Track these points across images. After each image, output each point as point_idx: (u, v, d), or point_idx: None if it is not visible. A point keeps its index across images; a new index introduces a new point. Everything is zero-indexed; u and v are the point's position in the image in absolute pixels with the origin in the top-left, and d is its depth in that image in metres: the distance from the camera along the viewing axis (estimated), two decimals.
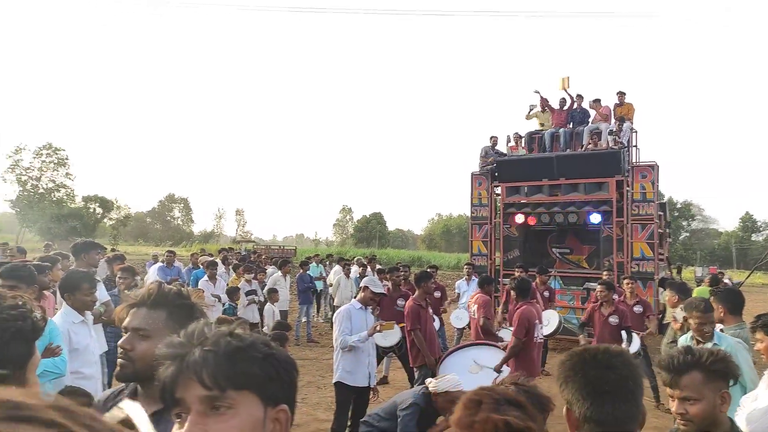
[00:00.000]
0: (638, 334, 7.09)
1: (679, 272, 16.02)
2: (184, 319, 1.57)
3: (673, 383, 1.98)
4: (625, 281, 8.00)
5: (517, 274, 9.12)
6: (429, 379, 4.26)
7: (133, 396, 1.56)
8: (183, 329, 1.50)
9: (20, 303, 1.03)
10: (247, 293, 9.22)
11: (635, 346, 6.85)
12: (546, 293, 9.39)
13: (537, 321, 5.87)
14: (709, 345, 3.44)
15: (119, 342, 1.59)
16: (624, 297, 7.80)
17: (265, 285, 10.50)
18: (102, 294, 4.90)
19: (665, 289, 7.46)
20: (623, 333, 6.66)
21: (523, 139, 12.88)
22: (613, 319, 6.64)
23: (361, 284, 5.73)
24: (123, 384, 1.66)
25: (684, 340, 3.99)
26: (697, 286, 14.98)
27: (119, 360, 1.55)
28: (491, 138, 13.09)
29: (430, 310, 6.92)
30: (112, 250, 14.49)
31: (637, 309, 7.65)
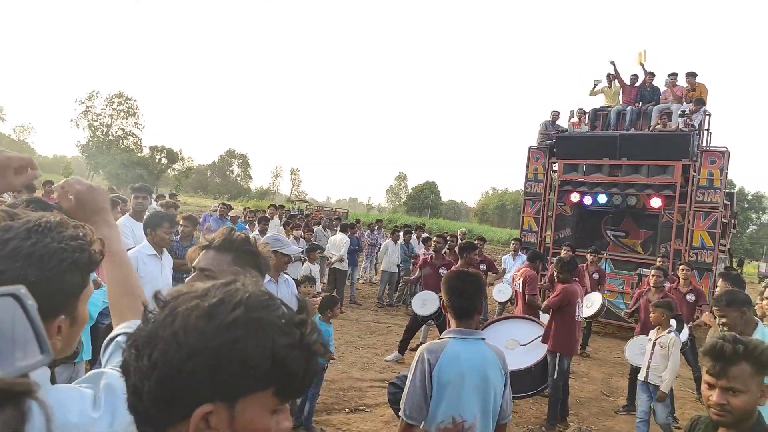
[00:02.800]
0: (687, 324, 6.83)
1: (740, 266, 15.24)
2: (248, 264, 1.67)
3: (720, 373, 1.90)
4: (681, 267, 7.67)
5: (563, 253, 8.90)
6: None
7: None
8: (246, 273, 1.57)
9: (81, 234, 1.05)
10: None
11: (684, 335, 6.60)
12: (596, 275, 9.14)
13: (578, 299, 5.77)
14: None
15: (186, 279, 1.65)
16: (677, 284, 7.51)
17: (313, 243, 10.69)
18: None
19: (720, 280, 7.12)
20: (672, 321, 6.42)
21: (587, 116, 12.40)
22: None
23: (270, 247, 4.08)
24: None
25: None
26: (760, 282, 14.25)
27: None
28: (552, 113, 12.69)
29: None
30: (171, 195, 15.03)
31: (690, 297, 7.35)
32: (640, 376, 5.50)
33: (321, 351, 0.83)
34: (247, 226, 10.50)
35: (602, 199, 11.27)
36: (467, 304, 2.57)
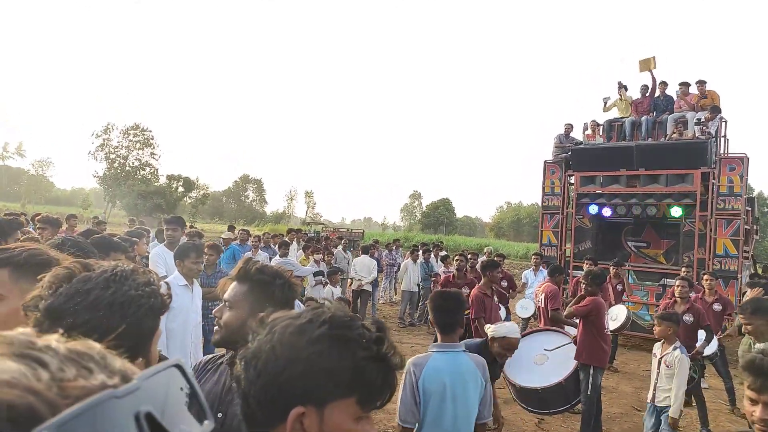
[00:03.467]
0: (716, 334, 6.73)
1: (765, 271, 14.98)
2: (263, 293, 1.71)
3: (762, 388, 1.88)
4: (705, 276, 7.58)
5: (586, 266, 8.84)
6: (488, 326, 4.29)
7: (231, 362, 1.71)
8: (260, 302, 1.63)
9: (152, 280, 1.12)
10: (315, 274, 9.45)
11: (713, 346, 6.51)
12: (619, 286, 9.06)
13: (606, 312, 5.72)
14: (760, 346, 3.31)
15: (213, 310, 1.82)
16: (702, 294, 7.41)
17: (333, 266, 10.74)
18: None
19: (749, 289, 7.02)
20: (701, 332, 6.34)
21: (601, 127, 12.39)
22: (688, 318, 6.32)
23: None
24: (224, 351, 1.87)
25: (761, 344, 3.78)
26: None
27: (215, 327, 1.76)
28: (566, 125, 12.70)
29: (496, 299, 6.84)
30: (191, 227, 15.23)
31: (716, 307, 7.26)
32: (647, 398, 5.16)
33: (399, 365, 0.95)
34: (251, 252, 10.49)
35: (621, 210, 11.21)
36: (450, 320, 2.98)
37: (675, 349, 4.91)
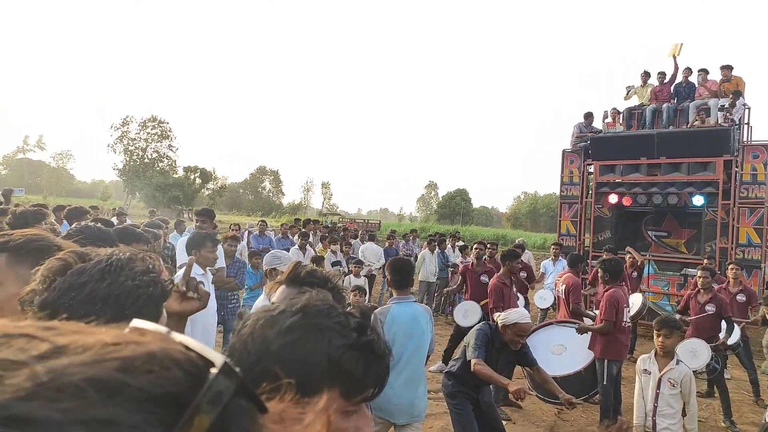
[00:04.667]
0: (739, 324, 6.64)
1: None
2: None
3: None
4: (730, 266, 7.46)
5: (604, 256, 8.73)
6: (497, 314, 4.36)
7: None
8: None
9: (151, 267, 1.09)
10: (333, 264, 9.49)
11: (735, 336, 6.42)
12: (634, 274, 8.93)
13: (625, 305, 5.63)
14: None
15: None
16: (727, 284, 7.30)
17: (351, 256, 10.77)
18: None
19: None
20: (723, 323, 6.25)
21: (621, 115, 12.22)
22: (710, 308, 6.24)
23: (266, 268, 4.49)
24: None
25: None
26: None
27: None
28: (585, 114, 12.53)
29: (515, 289, 6.81)
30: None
31: (740, 298, 7.15)
32: (638, 421, 4.27)
33: (383, 352, 0.89)
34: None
35: (642, 199, 11.06)
36: (404, 279, 3.82)
37: (679, 363, 4.20)
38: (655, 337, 4.28)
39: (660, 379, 4.16)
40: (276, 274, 4.17)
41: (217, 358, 0.36)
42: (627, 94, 12.53)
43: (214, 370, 0.35)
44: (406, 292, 3.83)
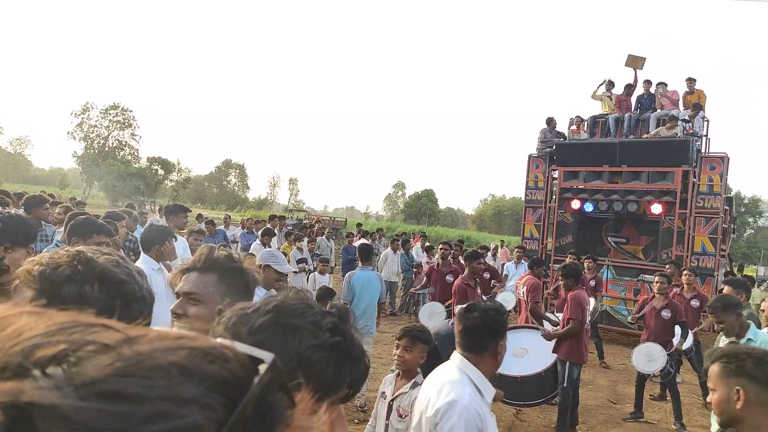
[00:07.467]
0: (692, 330, 6.86)
1: (740, 270, 15.29)
2: (235, 282, 1.54)
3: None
4: (685, 273, 7.71)
5: (568, 260, 8.90)
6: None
7: None
8: (231, 293, 1.48)
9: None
10: (298, 261, 9.41)
11: (688, 342, 6.63)
12: (592, 282, 9.11)
13: (587, 306, 5.77)
14: (743, 341, 3.55)
15: (171, 307, 1.53)
16: (681, 290, 7.53)
17: (316, 253, 10.70)
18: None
19: (725, 287, 7.15)
20: (677, 327, 6.45)
21: (585, 123, 12.47)
22: (666, 313, 6.43)
23: (260, 261, 3.95)
24: None
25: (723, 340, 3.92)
26: (757, 286, 14.29)
27: (174, 326, 1.51)
28: (547, 120, 12.68)
29: (479, 290, 6.88)
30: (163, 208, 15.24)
31: (694, 303, 7.39)
32: None
33: (357, 354, 0.89)
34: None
35: (603, 205, 11.31)
36: (367, 257, 6.27)
37: (415, 386, 2.96)
38: (394, 349, 3.18)
39: (389, 405, 3.05)
40: (270, 271, 3.97)
41: (266, 355, 0.41)
42: (595, 91, 12.68)
43: (263, 365, 0.40)
44: (368, 264, 6.22)
